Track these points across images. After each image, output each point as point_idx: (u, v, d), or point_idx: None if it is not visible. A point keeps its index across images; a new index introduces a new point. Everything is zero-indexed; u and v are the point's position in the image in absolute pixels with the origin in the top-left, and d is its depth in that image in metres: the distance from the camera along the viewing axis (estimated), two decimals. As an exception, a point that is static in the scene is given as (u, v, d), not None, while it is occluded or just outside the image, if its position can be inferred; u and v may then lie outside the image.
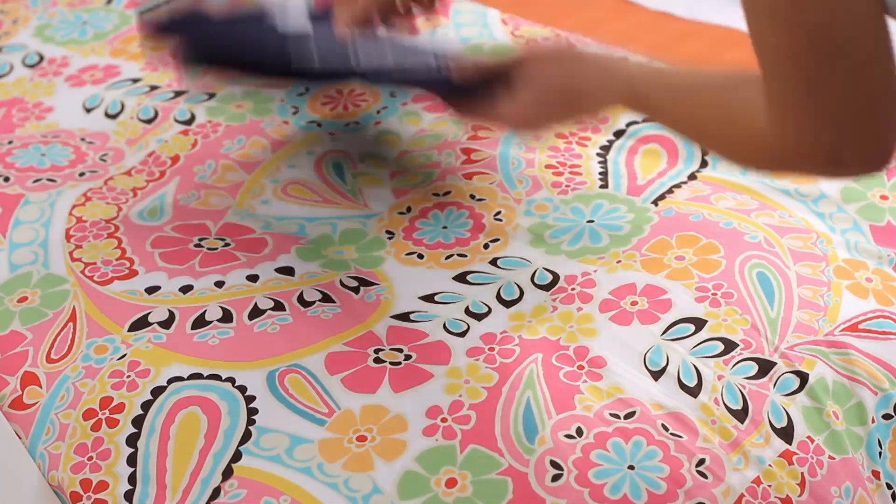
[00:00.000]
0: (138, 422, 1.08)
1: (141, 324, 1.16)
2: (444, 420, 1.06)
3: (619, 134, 1.38)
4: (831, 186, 1.29)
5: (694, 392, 1.08)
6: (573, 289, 1.17)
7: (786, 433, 1.07)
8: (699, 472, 1.03)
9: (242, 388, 1.09)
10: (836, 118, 0.88)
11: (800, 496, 1.05)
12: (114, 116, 1.47)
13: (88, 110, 1.48)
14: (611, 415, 1.05)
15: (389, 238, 1.27)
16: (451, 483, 1.02)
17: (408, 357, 1.11)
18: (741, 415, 1.07)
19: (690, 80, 1.05)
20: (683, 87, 1.05)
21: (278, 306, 1.17)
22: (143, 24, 1.28)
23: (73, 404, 1.10)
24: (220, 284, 1.20)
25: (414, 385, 1.09)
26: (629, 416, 1.05)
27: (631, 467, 1.02)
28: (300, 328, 1.14)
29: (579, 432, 1.04)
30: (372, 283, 1.21)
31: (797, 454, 1.06)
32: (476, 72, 1.18)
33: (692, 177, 1.31)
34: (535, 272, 1.20)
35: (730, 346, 1.11)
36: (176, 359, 1.12)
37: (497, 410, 1.06)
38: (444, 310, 1.17)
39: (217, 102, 1.46)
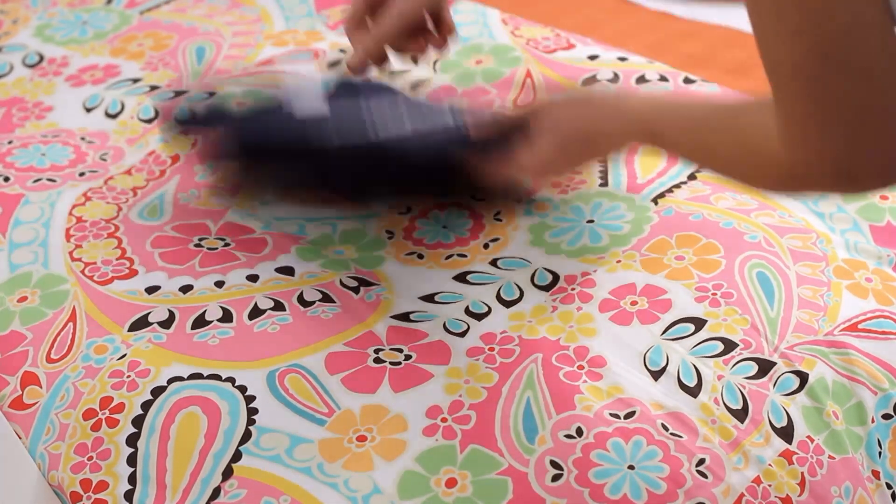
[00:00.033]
0: (138, 422, 1.08)
1: (141, 324, 1.16)
2: (444, 420, 1.06)
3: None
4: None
5: (694, 392, 1.08)
6: (573, 289, 1.17)
7: (786, 433, 1.07)
8: (699, 472, 1.03)
9: (242, 388, 1.09)
10: (846, 131, 0.87)
11: (800, 496, 1.05)
12: (114, 116, 1.47)
13: (88, 110, 1.48)
14: (611, 415, 1.05)
15: (389, 238, 1.27)
16: (451, 483, 1.02)
17: (408, 357, 1.11)
18: (741, 414, 1.07)
19: (702, 109, 1.05)
20: (695, 117, 1.05)
21: (278, 306, 1.17)
22: (165, 121, 1.29)
23: (73, 404, 1.10)
24: (220, 284, 1.20)
25: (414, 385, 1.09)
26: (629, 415, 1.05)
27: (631, 467, 1.02)
28: (300, 328, 1.14)
29: (579, 432, 1.04)
30: (372, 284, 1.21)
31: (797, 454, 1.06)
32: (494, 126, 1.18)
33: (692, 176, 1.31)
34: (535, 272, 1.20)
35: (730, 345, 1.11)
36: (176, 359, 1.12)
37: (497, 410, 1.06)
38: (444, 310, 1.17)
39: (218, 102, 1.46)
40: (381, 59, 1.17)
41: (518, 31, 1.56)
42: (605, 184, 1.31)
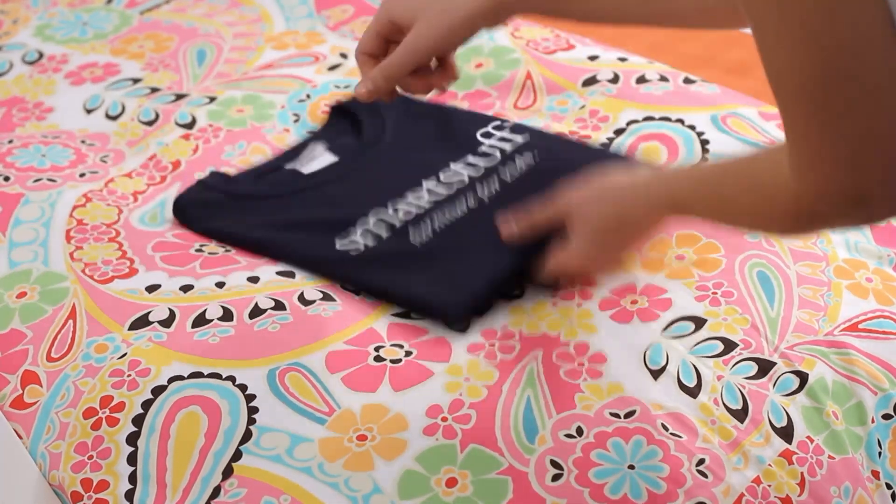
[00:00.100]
0: (139, 420, 1.08)
1: (141, 322, 1.16)
2: (444, 419, 1.06)
3: (619, 132, 1.38)
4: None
5: (693, 392, 1.08)
6: (574, 287, 1.17)
7: (785, 433, 1.07)
8: (699, 472, 1.03)
9: (243, 387, 1.09)
10: (852, 150, 0.84)
11: (799, 496, 1.05)
12: (114, 118, 1.47)
13: (89, 111, 1.48)
14: (611, 414, 1.05)
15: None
16: (451, 482, 1.02)
17: (408, 353, 1.11)
18: (741, 415, 1.07)
19: (720, 167, 1.04)
20: (714, 175, 1.04)
21: (279, 305, 1.17)
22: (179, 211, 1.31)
23: (74, 403, 1.10)
24: (220, 285, 1.20)
25: (414, 384, 1.09)
26: (629, 415, 1.05)
27: (631, 467, 1.02)
28: (300, 327, 1.14)
29: (579, 431, 1.04)
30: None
31: (797, 454, 1.06)
32: (527, 232, 1.17)
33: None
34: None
35: (729, 345, 1.11)
36: (176, 357, 1.12)
37: (497, 409, 1.06)
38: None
39: (218, 106, 1.46)
40: (389, 93, 1.17)
41: (518, 33, 1.56)
42: None
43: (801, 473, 1.06)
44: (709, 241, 1.20)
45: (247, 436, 1.06)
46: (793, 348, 1.12)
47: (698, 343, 1.11)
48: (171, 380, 1.10)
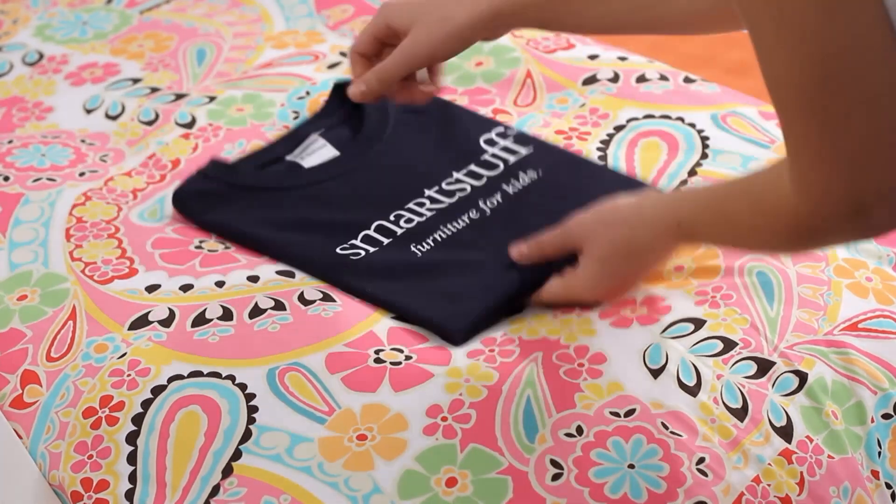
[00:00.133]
0: (138, 420, 1.08)
1: (141, 322, 1.16)
2: (444, 419, 1.06)
3: (619, 129, 1.38)
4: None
5: (693, 391, 1.08)
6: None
7: (785, 432, 1.07)
8: (699, 471, 1.03)
9: (243, 386, 1.09)
10: (854, 159, 0.83)
11: (799, 495, 1.05)
12: (114, 118, 1.47)
13: (89, 111, 1.48)
14: (611, 413, 1.05)
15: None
16: (451, 482, 1.02)
17: (408, 358, 1.11)
18: (741, 414, 1.07)
19: (724, 187, 1.04)
20: (719, 193, 1.04)
21: (279, 305, 1.17)
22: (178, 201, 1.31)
23: (73, 403, 1.10)
24: (220, 284, 1.20)
25: (414, 384, 1.08)
26: (629, 414, 1.05)
27: (631, 466, 1.02)
28: (301, 327, 1.14)
29: (579, 431, 1.04)
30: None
31: (796, 453, 1.06)
32: (536, 258, 1.17)
33: (692, 172, 1.31)
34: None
35: (729, 345, 1.11)
36: (176, 357, 1.12)
37: (497, 409, 1.06)
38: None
39: (218, 106, 1.46)
40: (380, 95, 1.18)
41: (518, 32, 1.56)
42: None
43: (801, 473, 1.06)
44: (707, 247, 1.20)
45: (246, 435, 1.06)
46: (792, 348, 1.12)
47: (698, 342, 1.11)
48: (170, 379, 1.10)
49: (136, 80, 1.52)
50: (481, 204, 1.27)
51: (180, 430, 1.07)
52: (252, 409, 1.07)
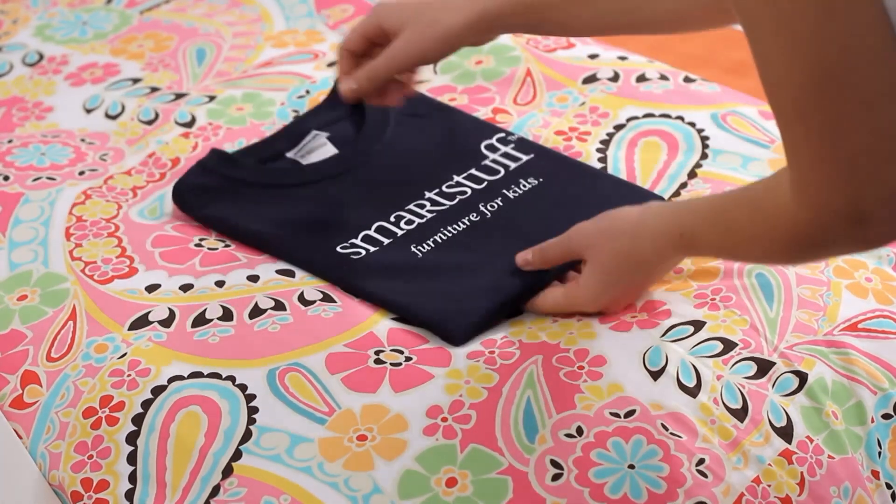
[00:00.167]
0: (138, 420, 1.08)
1: (141, 322, 1.16)
2: (444, 419, 1.06)
3: (619, 128, 1.38)
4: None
5: (693, 392, 1.08)
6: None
7: (785, 432, 1.07)
8: (699, 472, 1.03)
9: (243, 387, 1.09)
10: (853, 165, 0.83)
11: (799, 496, 1.05)
12: (114, 117, 1.47)
13: (89, 111, 1.48)
14: (611, 414, 1.05)
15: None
16: (451, 482, 1.02)
17: (408, 359, 1.11)
18: (741, 414, 1.07)
19: (727, 194, 1.04)
20: (720, 202, 1.04)
21: (279, 306, 1.17)
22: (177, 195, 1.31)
23: (73, 403, 1.10)
24: (220, 284, 1.20)
25: (414, 385, 1.09)
26: (629, 414, 1.05)
27: (631, 466, 1.02)
28: (301, 327, 1.14)
29: (579, 431, 1.04)
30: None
31: (796, 454, 1.06)
32: (539, 267, 1.17)
33: (692, 174, 1.31)
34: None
35: (729, 345, 1.11)
36: (176, 357, 1.12)
37: (497, 410, 1.06)
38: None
39: (218, 105, 1.46)
40: (369, 95, 1.19)
41: (518, 32, 1.56)
42: None
43: (801, 473, 1.06)
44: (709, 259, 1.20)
45: (247, 435, 1.06)
46: (792, 348, 1.12)
47: (697, 343, 1.11)
48: (170, 379, 1.10)
49: (135, 80, 1.52)
50: (482, 207, 1.27)
51: (180, 430, 1.07)
52: (252, 410, 1.07)
